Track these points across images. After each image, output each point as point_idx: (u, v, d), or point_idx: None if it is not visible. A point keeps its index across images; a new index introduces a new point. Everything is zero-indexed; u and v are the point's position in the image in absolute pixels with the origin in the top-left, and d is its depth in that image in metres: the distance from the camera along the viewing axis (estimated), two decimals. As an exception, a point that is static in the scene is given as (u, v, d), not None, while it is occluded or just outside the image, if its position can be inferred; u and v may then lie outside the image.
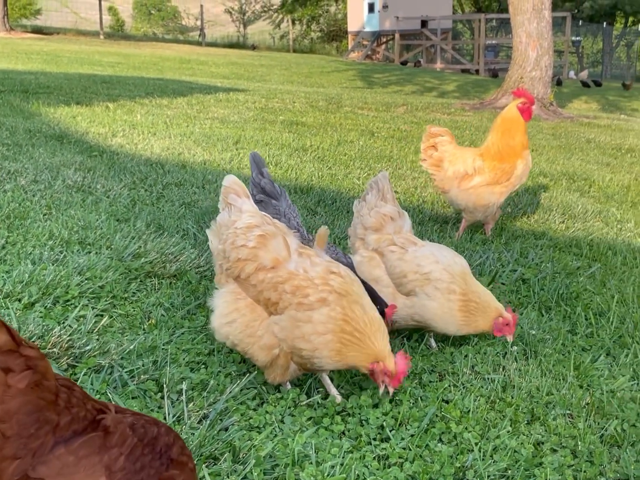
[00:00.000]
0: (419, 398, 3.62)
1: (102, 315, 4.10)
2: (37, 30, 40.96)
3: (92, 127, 10.58)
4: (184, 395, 3.31)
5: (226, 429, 3.15)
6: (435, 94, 27.15)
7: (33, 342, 1.86)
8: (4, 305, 3.96)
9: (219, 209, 3.57)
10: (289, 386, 3.59)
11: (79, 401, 1.90)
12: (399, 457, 3.11)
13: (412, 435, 3.28)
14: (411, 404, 3.55)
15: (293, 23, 55.30)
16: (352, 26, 48.66)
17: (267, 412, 3.34)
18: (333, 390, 3.57)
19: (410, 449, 3.16)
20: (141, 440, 1.94)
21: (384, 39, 47.73)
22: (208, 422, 3.12)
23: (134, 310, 4.28)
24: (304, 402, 3.47)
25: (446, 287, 4.10)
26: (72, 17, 56.43)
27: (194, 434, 3.04)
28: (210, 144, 10.12)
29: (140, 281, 4.73)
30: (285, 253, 3.35)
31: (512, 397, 3.69)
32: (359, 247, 4.39)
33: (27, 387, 1.78)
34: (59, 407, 1.85)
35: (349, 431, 3.30)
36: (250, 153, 4.77)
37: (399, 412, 3.42)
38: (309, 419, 3.35)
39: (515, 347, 4.37)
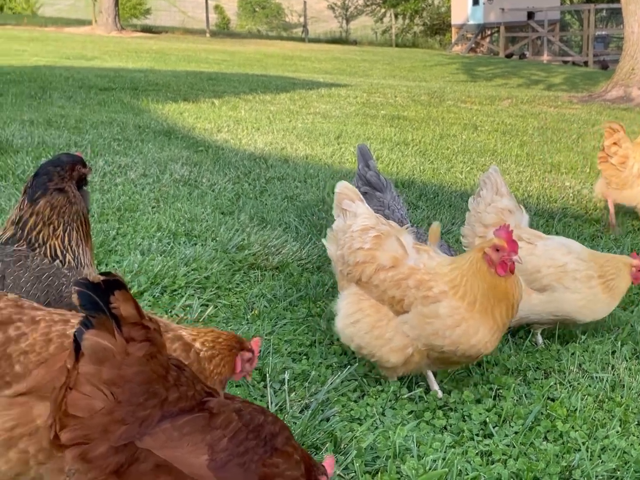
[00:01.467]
0: (524, 395, 3.54)
1: (207, 305, 4.20)
2: (147, 29, 42.18)
3: (199, 123, 10.83)
4: (286, 385, 3.35)
5: (327, 420, 3.17)
6: (542, 86, 26.47)
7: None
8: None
9: (334, 215, 3.60)
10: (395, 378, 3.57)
11: (188, 381, 1.96)
12: (503, 454, 3.04)
13: (516, 433, 3.21)
14: (515, 401, 3.48)
15: (396, 17, 54.98)
16: (456, 19, 47.97)
17: (367, 404, 3.34)
18: (435, 386, 3.53)
19: (514, 446, 3.10)
20: (246, 426, 1.98)
21: (489, 32, 46.87)
22: (310, 412, 3.15)
23: (238, 301, 4.36)
24: (405, 396, 3.45)
25: (585, 275, 4.02)
26: (179, 16, 57.96)
27: (295, 423, 3.08)
28: (312, 139, 10.19)
29: (244, 272, 4.81)
30: (402, 251, 3.35)
31: (622, 397, 3.56)
32: None
33: (144, 357, 1.86)
34: (168, 383, 1.91)
35: (450, 426, 3.26)
36: (358, 145, 4.77)
37: (502, 409, 3.36)
38: (410, 412, 3.33)
39: None
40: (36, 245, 2.65)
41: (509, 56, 41.74)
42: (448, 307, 3.25)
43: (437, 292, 3.26)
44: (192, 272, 4.57)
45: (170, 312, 4.01)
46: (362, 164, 4.47)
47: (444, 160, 9.19)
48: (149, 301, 4.10)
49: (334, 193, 3.61)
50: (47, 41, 28.39)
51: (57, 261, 2.65)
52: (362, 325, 3.41)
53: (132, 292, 4.14)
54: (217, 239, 5.30)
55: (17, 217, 2.68)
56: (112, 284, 1.81)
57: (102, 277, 1.81)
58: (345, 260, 3.44)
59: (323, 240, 3.63)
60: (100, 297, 1.79)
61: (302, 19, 52.24)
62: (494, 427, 3.23)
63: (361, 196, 3.54)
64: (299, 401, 3.27)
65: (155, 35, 39.03)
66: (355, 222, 3.44)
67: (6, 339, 2.16)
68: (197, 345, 2.52)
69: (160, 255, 4.80)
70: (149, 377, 1.87)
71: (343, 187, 3.56)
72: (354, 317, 3.43)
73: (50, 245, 2.66)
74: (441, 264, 3.37)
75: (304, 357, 3.77)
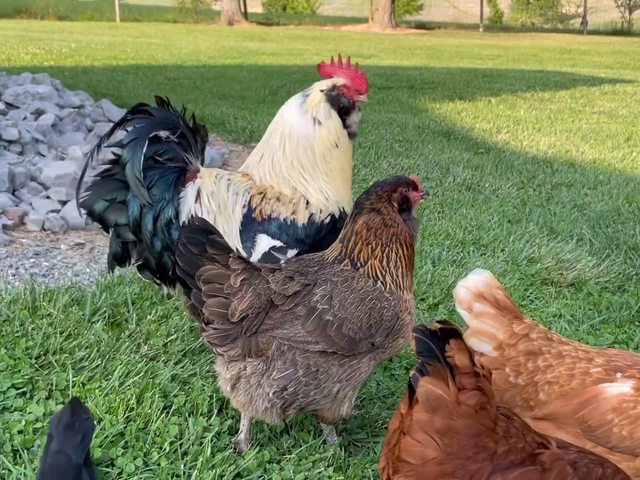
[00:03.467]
0: None
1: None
2: (420, 26, 42.52)
3: (477, 123, 10.69)
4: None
5: None
6: None
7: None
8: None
9: None
10: None
11: (517, 432, 1.88)
12: None
13: None
14: None
15: (687, 5, 50.51)
16: None
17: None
18: None
19: None
20: (582, 481, 1.84)
21: None
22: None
23: (534, 319, 4.15)
24: None
25: None
26: (451, 10, 57.81)
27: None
28: (599, 141, 9.66)
29: (537, 288, 4.62)
30: None
31: None
32: None
33: (474, 408, 1.82)
34: (497, 435, 1.85)
35: None
36: None
37: None
38: None
39: None
40: (358, 264, 2.68)
41: None
42: None
43: None
44: (486, 285, 4.46)
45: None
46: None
47: None
48: (444, 314, 4.05)
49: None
50: (326, 40, 29.64)
51: (379, 283, 2.67)
52: None
53: (427, 303, 4.16)
54: (506, 249, 5.15)
55: (343, 235, 2.75)
56: (447, 332, 1.82)
57: (439, 325, 1.83)
58: None
59: None
60: (437, 345, 1.80)
61: (579, 10, 49.80)
62: None
63: None
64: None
65: (428, 32, 39.30)
66: None
67: (535, 368, 2.46)
68: None
69: (451, 265, 4.75)
70: (478, 430, 1.83)
71: None
72: None
73: (370, 266, 2.68)
74: None
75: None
